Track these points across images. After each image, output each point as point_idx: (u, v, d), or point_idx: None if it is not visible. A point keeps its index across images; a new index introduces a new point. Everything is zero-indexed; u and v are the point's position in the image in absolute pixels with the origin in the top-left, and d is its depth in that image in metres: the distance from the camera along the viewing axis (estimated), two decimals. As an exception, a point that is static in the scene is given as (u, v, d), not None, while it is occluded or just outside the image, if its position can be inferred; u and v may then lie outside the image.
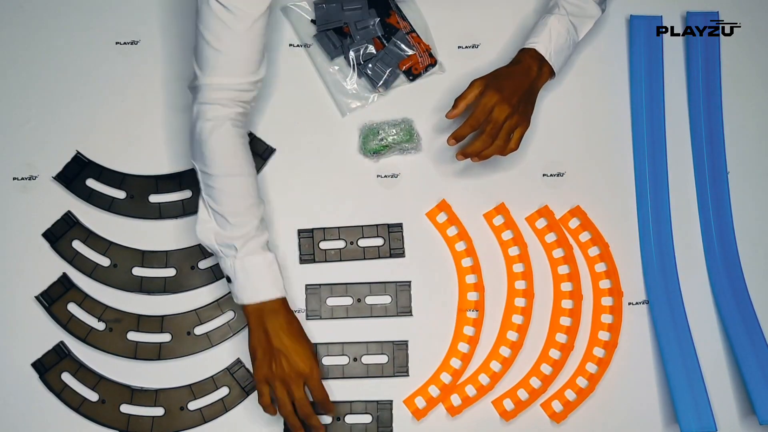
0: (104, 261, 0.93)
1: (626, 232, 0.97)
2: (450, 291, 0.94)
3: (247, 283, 0.84)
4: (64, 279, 0.92)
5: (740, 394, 0.93)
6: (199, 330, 0.92)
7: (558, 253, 0.95)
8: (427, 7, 1.00)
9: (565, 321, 0.94)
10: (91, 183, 0.94)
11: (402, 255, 0.95)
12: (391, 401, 0.91)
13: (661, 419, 0.92)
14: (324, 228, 0.95)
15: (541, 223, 0.96)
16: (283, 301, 0.85)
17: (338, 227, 0.95)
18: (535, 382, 0.92)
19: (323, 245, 0.94)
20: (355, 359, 0.92)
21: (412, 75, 0.98)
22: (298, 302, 0.93)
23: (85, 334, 0.91)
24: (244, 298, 0.84)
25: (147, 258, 0.93)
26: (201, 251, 0.93)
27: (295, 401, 0.83)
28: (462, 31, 1.00)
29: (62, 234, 0.93)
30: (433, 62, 0.98)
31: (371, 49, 0.97)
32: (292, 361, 0.83)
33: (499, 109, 0.85)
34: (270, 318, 0.84)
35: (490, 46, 1.00)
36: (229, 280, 0.85)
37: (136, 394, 0.90)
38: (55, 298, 0.91)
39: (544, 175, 0.98)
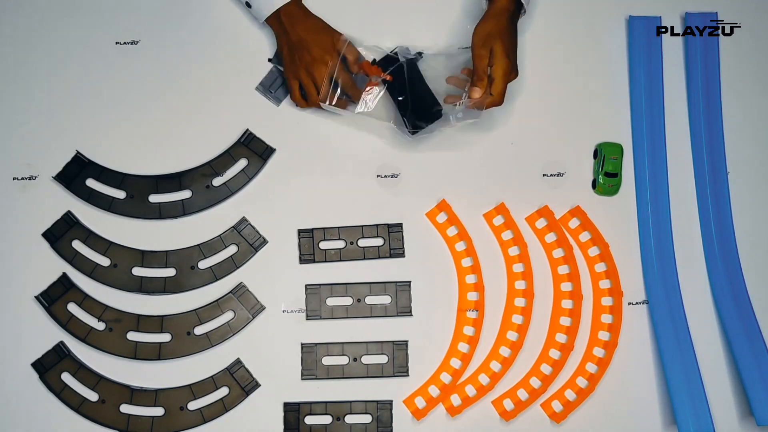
0: (104, 261, 0.93)
1: (626, 232, 0.97)
2: (450, 291, 0.94)
3: None
4: (64, 279, 0.92)
5: (739, 395, 0.93)
6: (199, 330, 0.92)
7: (558, 253, 0.95)
8: (428, 8, 1.00)
9: (565, 321, 0.94)
10: (91, 183, 0.94)
11: (402, 255, 0.95)
12: (391, 401, 0.91)
13: (661, 419, 0.92)
14: (324, 228, 0.95)
15: (541, 223, 0.96)
16: (296, 2, 0.91)
17: (338, 227, 0.95)
18: (535, 382, 0.92)
19: (323, 245, 0.94)
20: (355, 359, 0.92)
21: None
22: (298, 302, 0.93)
23: (85, 334, 0.91)
24: (264, 10, 0.91)
25: (147, 258, 0.93)
26: (201, 251, 0.93)
27: (315, 84, 0.90)
28: (463, 31, 1.00)
29: (62, 234, 0.93)
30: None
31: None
32: (311, 50, 0.89)
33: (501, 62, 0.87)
34: (287, 20, 0.90)
35: (490, 47, 1.00)
36: (248, 5, 0.92)
37: (136, 394, 0.90)
38: (55, 298, 0.91)
39: (544, 175, 0.98)
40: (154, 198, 0.94)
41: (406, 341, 0.93)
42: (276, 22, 0.92)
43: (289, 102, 0.97)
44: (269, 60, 0.98)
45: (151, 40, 0.99)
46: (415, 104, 0.92)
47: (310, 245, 0.94)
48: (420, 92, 0.93)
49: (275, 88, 0.97)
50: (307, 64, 0.90)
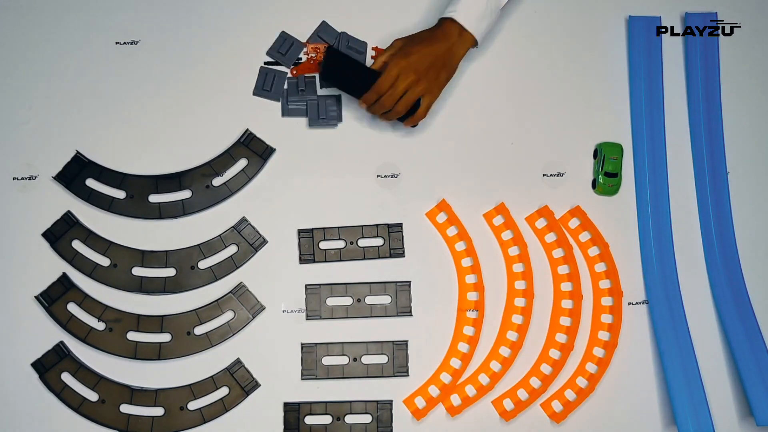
0: (104, 261, 0.93)
1: (626, 232, 0.97)
2: (450, 291, 0.94)
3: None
4: (64, 279, 0.92)
5: (739, 395, 0.93)
6: (199, 330, 0.92)
7: (558, 253, 0.95)
8: (428, 8, 1.00)
9: (565, 321, 0.94)
10: (91, 183, 0.94)
11: (402, 255, 0.95)
12: (391, 401, 0.91)
13: (661, 419, 0.92)
14: (324, 228, 0.95)
15: (541, 223, 0.96)
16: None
17: (338, 227, 0.95)
18: (535, 382, 0.92)
19: (323, 245, 0.94)
20: (355, 359, 0.92)
21: None
22: (298, 302, 0.93)
23: (85, 334, 0.91)
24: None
25: (147, 258, 0.93)
26: (201, 251, 0.93)
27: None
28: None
29: (62, 234, 0.93)
30: None
31: None
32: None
33: (403, 77, 0.87)
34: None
35: (489, 46, 1.00)
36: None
37: (136, 394, 0.90)
38: (55, 298, 0.91)
39: (544, 175, 0.98)
40: (154, 198, 0.94)
41: (406, 341, 0.93)
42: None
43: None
44: (265, 63, 0.98)
45: (151, 40, 0.99)
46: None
47: (310, 245, 0.94)
48: (362, 77, 0.90)
49: (269, 85, 0.97)
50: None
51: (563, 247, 0.95)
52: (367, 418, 0.91)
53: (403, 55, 0.87)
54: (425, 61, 0.87)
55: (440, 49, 0.88)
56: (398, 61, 0.87)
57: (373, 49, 0.99)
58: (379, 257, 0.94)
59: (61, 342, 0.91)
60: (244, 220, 0.94)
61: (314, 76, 0.98)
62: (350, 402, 0.91)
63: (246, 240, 0.94)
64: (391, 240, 0.95)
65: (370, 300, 0.93)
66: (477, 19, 0.89)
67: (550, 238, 0.96)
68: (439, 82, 0.89)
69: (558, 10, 1.02)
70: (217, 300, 0.93)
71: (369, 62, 0.99)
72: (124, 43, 0.99)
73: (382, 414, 0.91)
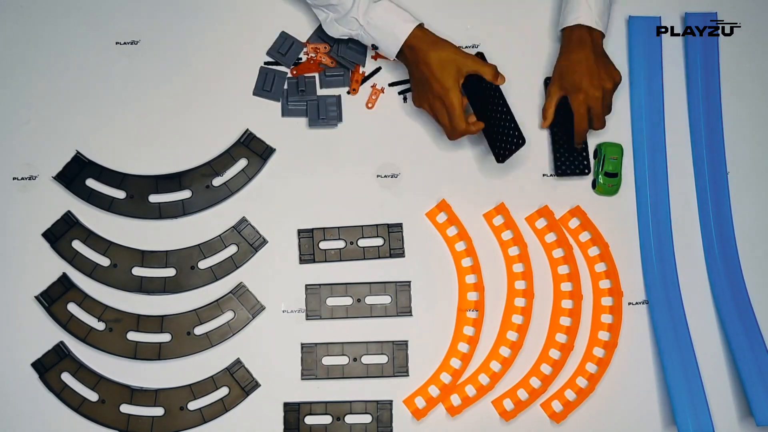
0: (104, 261, 0.93)
1: (626, 232, 0.97)
2: (450, 291, 0.94)
3: (385, 35, 0.90)
4: (64, 279, 0.92)
5: (738, 395, 0.93)
6: (199, 330, 0.92)
7: (558, 253, 0.95)
8: (427, 6, 1.00)
9: (565, 321, 0.94)
10: (91, 183, 0.94)
11: (402, 255, 0.95)
12: (391, 401, 0.91)
13: (661, 419, 0.92)
14: (324, 228, 0.95)
15: (541, 223, 0.96)
16: (418, 31, 0.89)
17: (338, 227, 0.95)
18: (535, 382, 0.92)
19: (323, 245, 0.94)
20: (355, 359, 0.92)
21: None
22: (298, 302, 0.93)
23: (85, 334, 0.91)
24: (392, 48, 0.90)
25: (147, 258, 0.93)
26: (201, 251, 0.93)
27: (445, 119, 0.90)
28: (462, 31, 1.00)
29: (62, 234, 0.93)
30: None
31: None
32: (434, 87, 0.89)
33: (593, 98, 0.89)
34: (412, 56, 0.90)
35: (490, 46, 1.00)
36: (375, 47, 0.93)
37: (136, 394, 0.90)
38: (55, 298, 0.91)
39: (544, 175, 0.98)
40: (154, 198, 0.94)
41: (406, 341, 0.93)
42: (407, 57, 0.91)
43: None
44: (265, 63, 0.98)
45: (151, 40, 0.99)
46: (501, 133, 0.91)
47: (310, 245, 0.94)
48: (504, 119, 0.91)
49: (269, 85, 0.97)
50: (435, 98, 0.90)
51: (563, 247, 0.95)
52: (367, 418, 0.91)
53: (575, 90, 0.90)
54: (591, 74, 0.90)
55: (591, 57, 0.90)
56: (576, 96, 0.90)
57: (372, 48, 0.99)
58: (379, 257, 0.94)
59: (61, 342, 0.91)
60: (244, 220, 0.94)
61: (314, 76, 0.98)
62: (350, 402, 0.91)
63: (246, 240, 0.94)
64: (391, 240, 0.95)
65: (370, 300, 0.93)
66: (600, 15, 0.92)
67: (550, 238, 0.96)
68: (611, 73, 0.91)
69: (558, 9, 1.02)
70: (217, 300, 0.93)
71: (369, 62, 0.99)
72: (124, 43, 0.99)
73: (382, 414, 0.91)
